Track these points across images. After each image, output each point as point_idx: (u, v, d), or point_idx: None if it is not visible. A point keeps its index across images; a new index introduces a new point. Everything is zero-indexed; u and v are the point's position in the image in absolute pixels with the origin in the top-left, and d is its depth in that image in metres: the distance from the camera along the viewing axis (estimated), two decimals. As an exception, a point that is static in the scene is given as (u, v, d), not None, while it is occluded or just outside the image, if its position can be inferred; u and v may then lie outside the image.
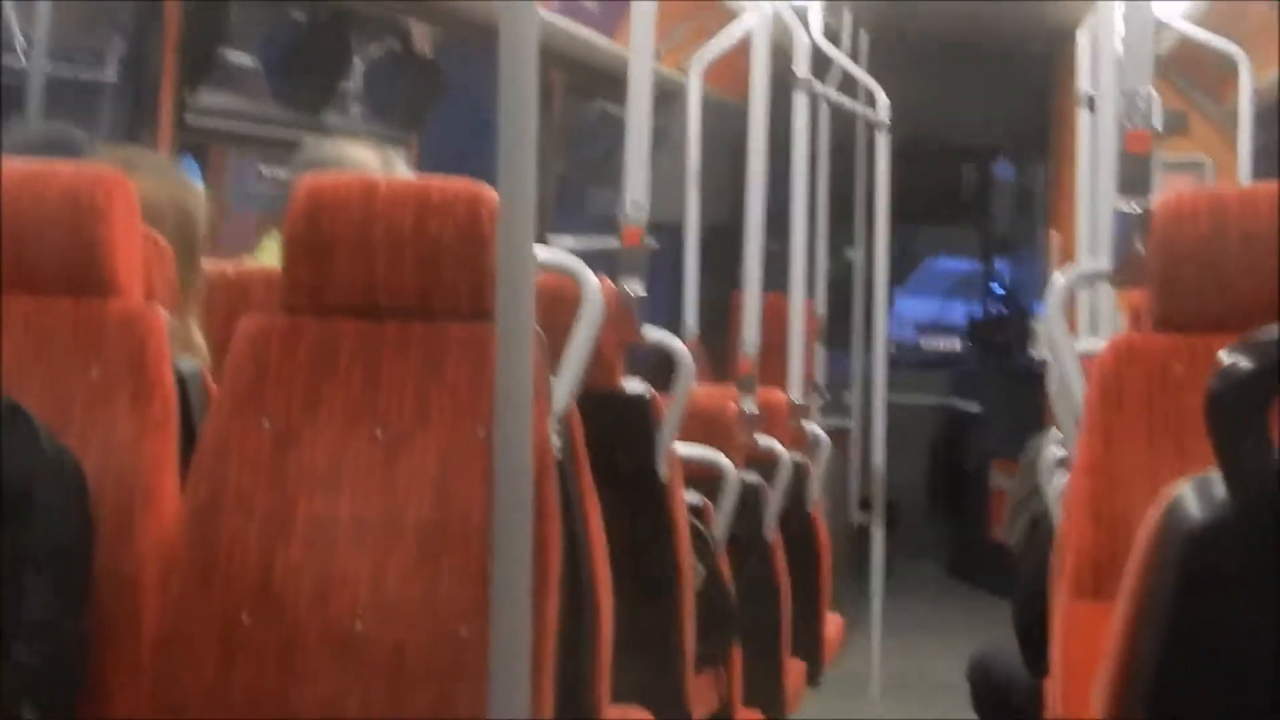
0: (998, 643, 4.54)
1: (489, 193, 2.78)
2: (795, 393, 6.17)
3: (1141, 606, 1.45)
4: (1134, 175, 2.85)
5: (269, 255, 3.96)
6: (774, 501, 5.14)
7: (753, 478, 4.93)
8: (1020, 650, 3.84)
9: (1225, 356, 1.41)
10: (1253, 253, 2.65)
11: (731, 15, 6.51)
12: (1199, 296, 2.68)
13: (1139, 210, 2.80)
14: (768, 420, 5.48)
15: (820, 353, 8.15)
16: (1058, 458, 3.45)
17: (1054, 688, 2.86)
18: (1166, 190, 2.88)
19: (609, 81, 6.12)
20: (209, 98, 4.40)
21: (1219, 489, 1.40)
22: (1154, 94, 2.87)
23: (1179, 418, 2.65)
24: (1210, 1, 6.51)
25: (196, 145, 4.66)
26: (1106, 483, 2.68)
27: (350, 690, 2.68)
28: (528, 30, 2.08)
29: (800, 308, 6.37)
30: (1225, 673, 1.41)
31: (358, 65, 5.19)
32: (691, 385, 3.96)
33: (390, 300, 2.80)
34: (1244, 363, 1.40)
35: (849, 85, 8.13)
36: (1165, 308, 2.71)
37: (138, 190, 2.97)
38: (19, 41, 4.34)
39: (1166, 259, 2.69)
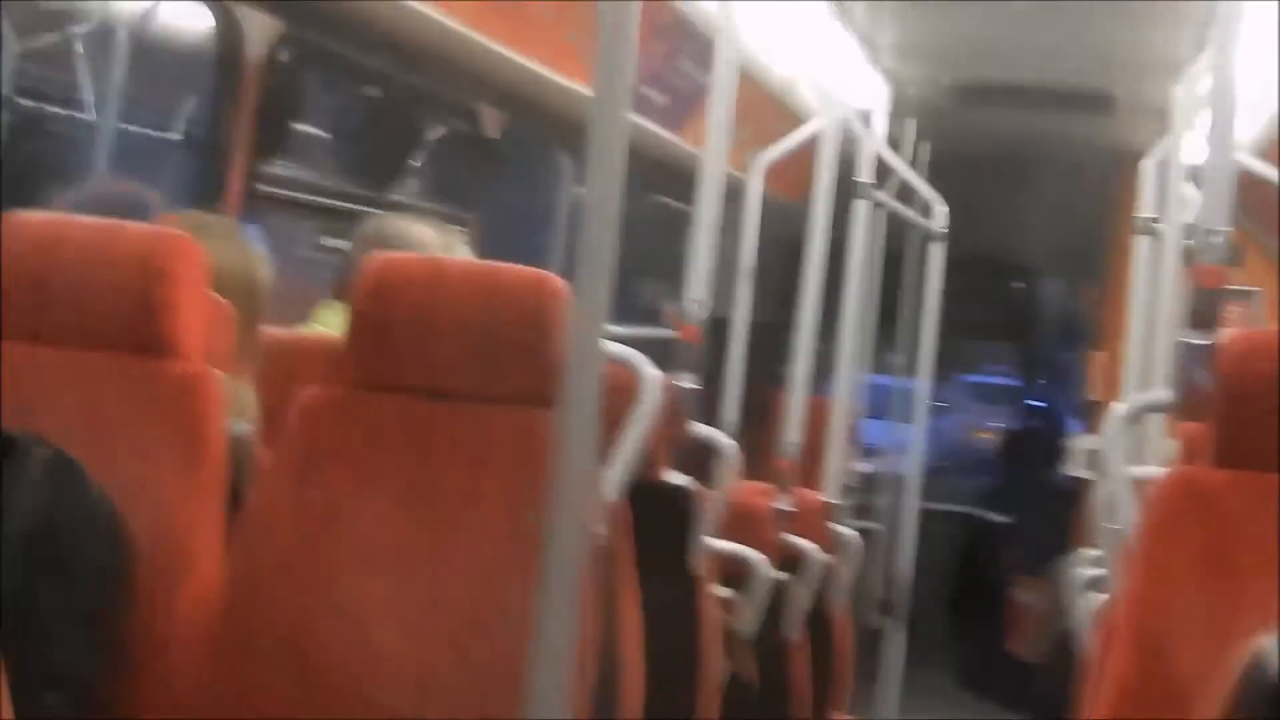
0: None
1: (555, 280, 2.79)
2: (831, 494, 6.16)
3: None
4: (1203, 309, 2.85)
5: (325, 324, 3.98)
6: (801, 600, 5.13)
7: (782, 575, 4.93)
8: None
9: None
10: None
11: (795, 118, 6.54)
12: (1261, 434, 2.67)
13: (1205, 344, 2.80)
14: (800, 519, 5.47)
15: (854, 455, 8.14)
16: (1089, 577, 3.44)
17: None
18: (1226, 321, 2.88)
19: (666, 174, 6.15)
20: (278, 166, 4.44)
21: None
22: (1226, 230, 2.88)
23: (1233, 555, 2.63)
24: (1273, 132, 6.52)
25: (261, 212, 4.69)
26: (1153, 613, 2.66)
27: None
28: (618, 124, 2.09)
29: (842, 410, 6.37)
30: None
31: (424, 143, 5.23)
32: (733, 479, 3.96)
33: (449, 381, 2.80)
34: None
35: (904, 195, 8.16)
36: (1225, 443, 2.70)
37: (206, 255, 2.99)
38: (90, 96, 4.39)
39: (1231, 394, 2.68)
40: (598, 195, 2.07)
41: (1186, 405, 2.82)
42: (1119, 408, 2.98)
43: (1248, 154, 6.14)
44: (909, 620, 8.09)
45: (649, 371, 3.12)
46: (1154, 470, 2.96)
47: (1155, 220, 5.44)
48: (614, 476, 2.96)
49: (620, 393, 3.13)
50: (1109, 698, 2.69)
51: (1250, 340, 2.70)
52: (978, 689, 10.27)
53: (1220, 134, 2.98)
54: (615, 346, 3.16)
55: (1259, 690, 1.40)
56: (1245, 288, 8.31)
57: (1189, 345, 2.81)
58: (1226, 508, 2.65)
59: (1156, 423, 4.22)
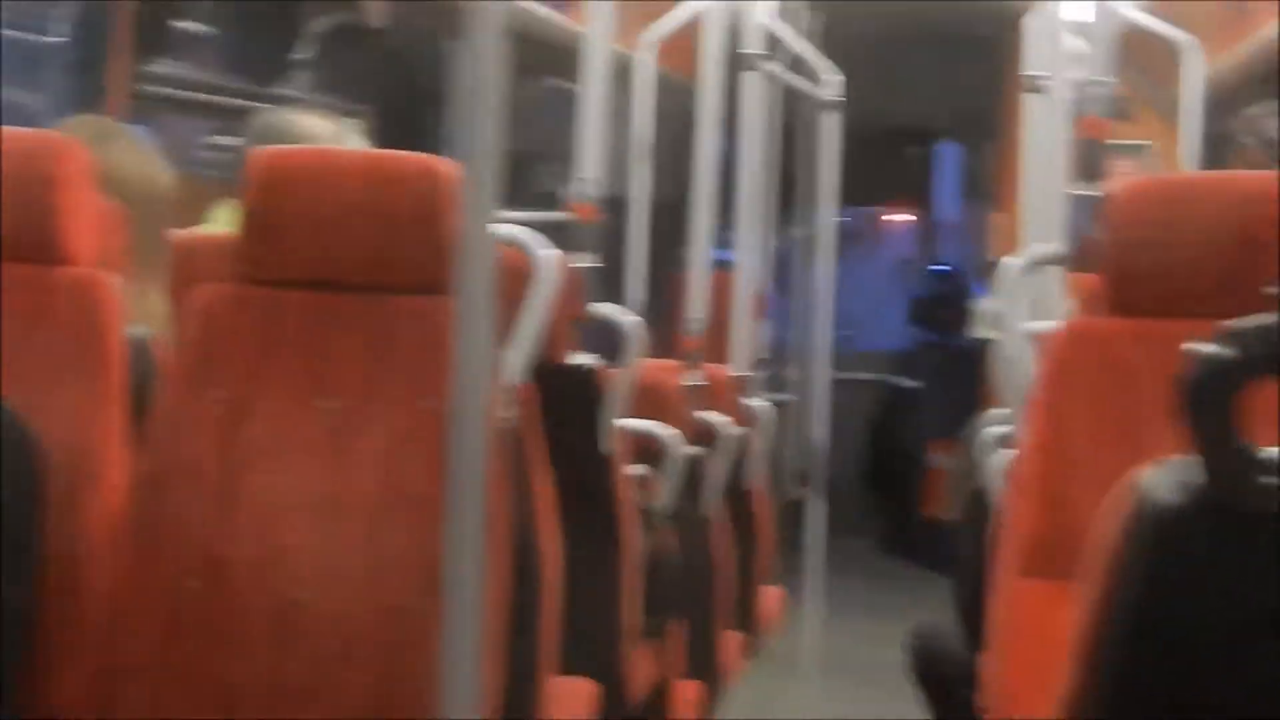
0: (935, 619, 4.57)
1: (445, 166, 2.78)
2: (739, 368, 6.19)
3: (1109, 589, 1.46)
4: (1088, 160, 2.88)
5: (221, 224, 3.95)
6: (716, 475, 5.16)
7: (696, 451, 4.95)
8: (959, 625, 3.87)
9: (1199, 345, 1.42)
10: (1205, 240, 2.68)
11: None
12: (1152, 282, 2.70)
13: (1093, 195, 2.83)
14: (712, 394, 5.49)
15: (764, 328, 8.18)
16: (998, 435, 3.48)
17: (993, 663, 2.88)
18: (1110, 174, 2.91)
19: (559, 57, 6.11)
20: (161, 65, 4.38)
21: (1189, 474, 1.41)
22: (1110, 82, 2.90)
23: (1131, 401, 2.67)
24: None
25: (148, 112, 4.64)
26: (1056, 462, 2.70)
27: (296, 662, 2.67)
28: (495, 8, 2.08)
29: (746, 285, 6.39)
30: (1192, 658, 1.43)
31: (311, 37, 5.17)
32: (639, 358, 3.97)
33: (343, 273, 2.80)
34: (1219, 350, 1.41)
35: (800, 65, 8.14)
36: (1117, 292, 2.74)
37: (108, 162, 2.97)
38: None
39: (1120, 244, 2.71)
40: (478, 77, 2.06)
41: (1079, 257, 2.85)
42: (1012, 262, 3.01)
43: (1134, 7, 6.16)
44: (827, 490, 8.16)
45: (543, 252, 3.12)
46: (1051, 324, 3.00)
47: (1042, 77, 5.46)
48: (515, 359, 2.96)
49: (519, 276, 3.13)
50: (1017, 548, 2.74)
51: (1135, 188, 2.72)
52: (899, 553, 10.42)
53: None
54: (509, 229, 3.16)
55: (1147, 518, 1.42)
56: (1137, 141, 8.37)
57: (1078, 197, 2.84)
58: (1121, 355, 2.69)
59: (1055, 278, 4.26)
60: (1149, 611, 1.42)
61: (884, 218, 13.22)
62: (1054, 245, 3.17)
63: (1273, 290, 1.40)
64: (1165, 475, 1.44)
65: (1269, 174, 2.70)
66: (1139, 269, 2.70)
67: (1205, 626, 1.41)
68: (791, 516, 8.45)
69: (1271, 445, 1.42)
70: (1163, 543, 1.41)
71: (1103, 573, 1.47)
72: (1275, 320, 1.37)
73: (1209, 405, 1.38)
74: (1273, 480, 1.37)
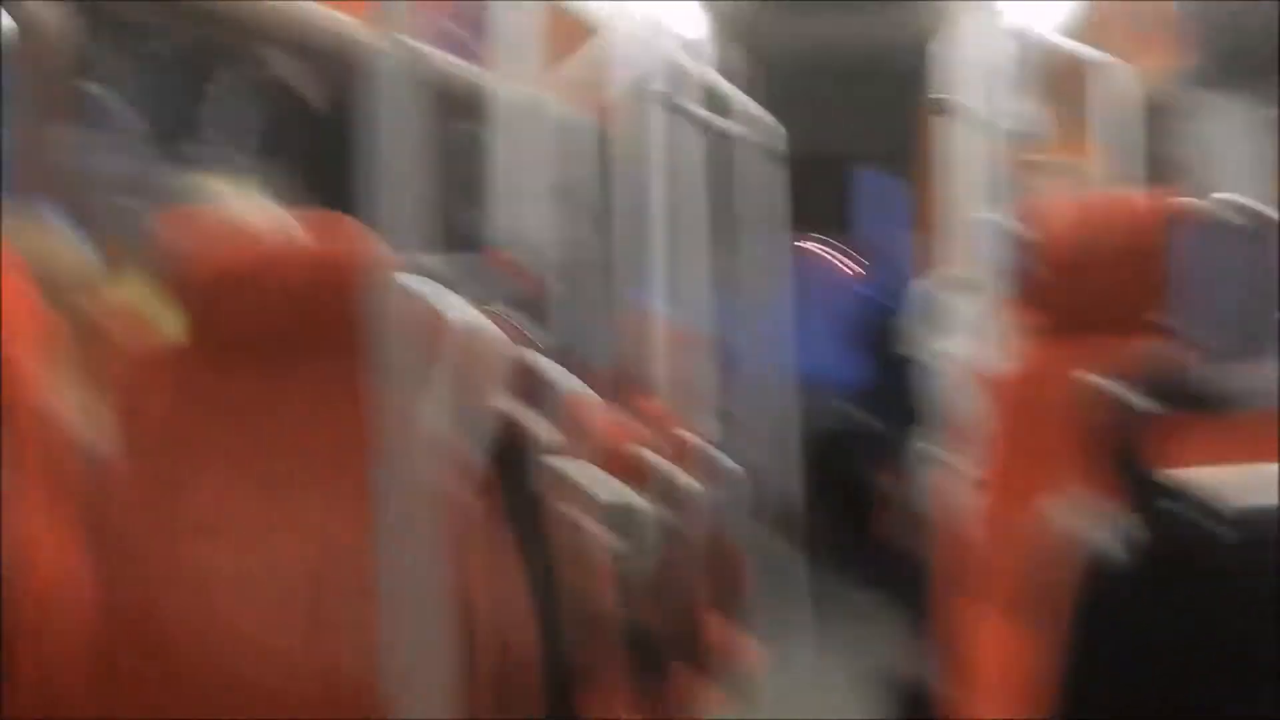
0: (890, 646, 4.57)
1: (356, 224, 2.75)
2: (702, 429, 6.17)
3: (1047, 617, 1.46)
4: (999, 184, 2.89)
5: (129, 290, 3.90)
6: (689, 537, 5.13)
7: (666, 514, 4.92)
8: (907, 648, 3.88)
9: (1097, 379, 1.43)
10: (1120, 259, 2.69)
11: (589, 32, 6.50)
12: (1063, 301, 2.70)
13: (1004, 219, 2.84)
14: (675, 453, 5.46)
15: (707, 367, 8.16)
16: (926, 457, 3.50)
17: (943, 686, 2.88)
18: (1031, 196, 2.92)
19: (466, 103, 6.10)
20: (65, 133, 4.33)
21: (1110, 505, 1.41)
22: (1019, 103, 2.91)
23: (1052, 421, 2.67)
24: (1075, 6, 6.60)
25: (55, 183, 4.59)
26: (992, 488, 2.71)
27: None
28: (403, 61, 2.07)
29: (699, 340, 6.39)
30: (1127, 675, 1.42)
31: (213, 96, 5.14)
32: (564, 404, 3.93)
33: (268, 342, 2.76)
34: (1118, 387, 1.41)
35: (715, 101, 8.15)
36: (1033, 313, 2.74)
37: (27, 255, 2.93)
38: None
39: (1032, 265, 2.72)
40: (389, 132, 2.05)
41: (990, 279, 2.86)
42: (925, 287, 3.02)
43: (1056, 32, 6.21)
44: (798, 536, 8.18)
45: (453, 306, 3.09)
46: (969, 345, 3.01)
47: (949, 100, 5.49)
48: (443, 417, 2.93)
49: (439, 330, 3.10)
50: (955, 568, 2.74)
51: (1049, 211, 2.73)
52: (871, 585, 10.38)
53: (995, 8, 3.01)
54: (419, 283, 3.12)
55: (1076, 549, 1.42)
56: (1059, 160, 8.42)
57: (989, 222, 2.85)
58: (1040, 375, 2.69)
59: (976, 299, 4.28)
60: (1084, 640, 1.42)
61: (806, 246, 13.26)
62: (966, 268, 3.18)
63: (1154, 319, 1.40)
64: (1084, 507, 1.43)
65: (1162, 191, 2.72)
66: (1052, 289, 2.71)
67: (1138, 644, 1.41)
68: (772, 570, 8.42)
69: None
70: (1092, 573, 1.41)
71: (1036, 601, 1.47)
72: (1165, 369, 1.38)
73: (1122, 448, 1.38)
74: (1188, 507, 1.38)
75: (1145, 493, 1.39)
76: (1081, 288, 2.70)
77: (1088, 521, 1.43)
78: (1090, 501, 1.44)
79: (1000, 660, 2.25)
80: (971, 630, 2.67)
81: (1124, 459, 1.37)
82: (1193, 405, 1.41)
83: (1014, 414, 2.70)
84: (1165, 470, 1.41)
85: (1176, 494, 1.40)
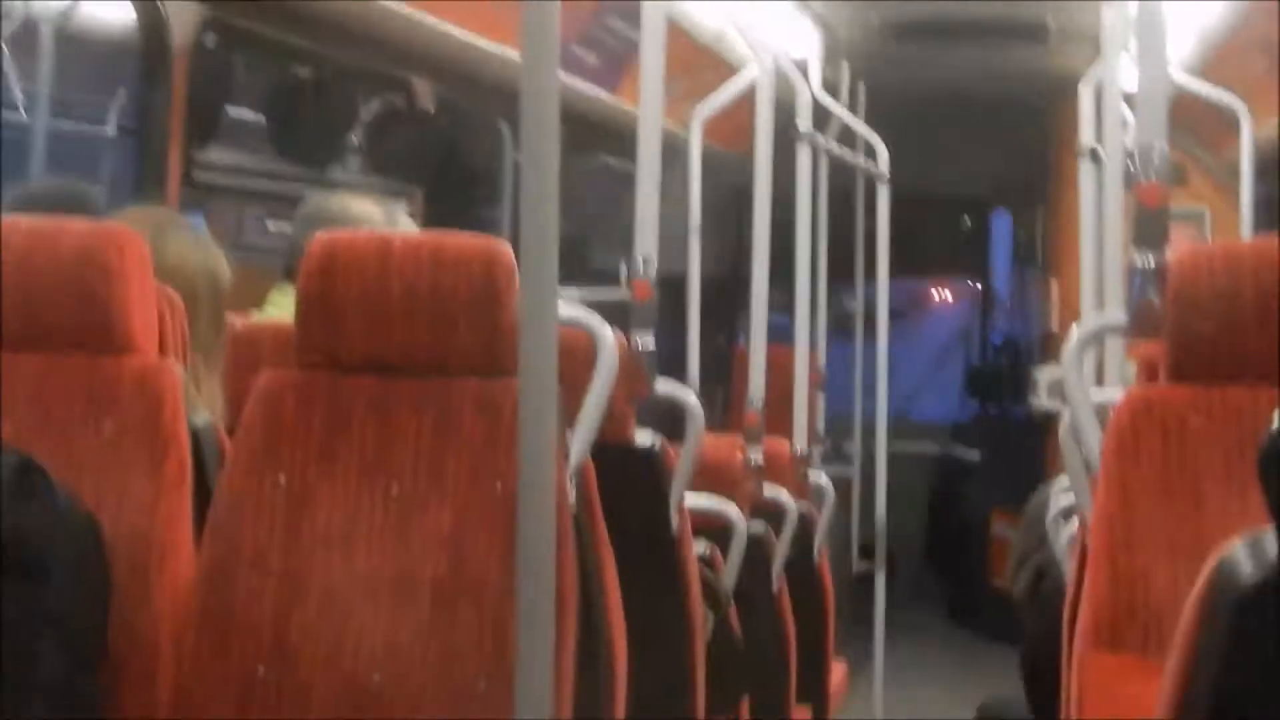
0: (1003, 694, 4.54)
1: (503, 248, 2.79)
2: (799, 443, 6.18)
3: (1192, 665, 1.45)
4: (1148, 228, 2.86)
5: (277, 309, 3.97)
6: (780, 551, 5.15)
7: (759, 527, 4.93)
8: (1028, 699, 3.84)
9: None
10: (1267, 305, 2.66)
11: (730, 68, 6.53)
12: (1214, 349, 2.68)
13: (1154, 264, 2.81)
14: (773, 469, 5.48)
15: (822, 401, 8.17)
16: (1064, 507, 3.45)
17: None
18: (1175, 240, 2.90)
19: (609, 136, 6.14)
20: (214, 153, 4.42)
21: (1271, 547, 1.39)
22: (1166, 148, 2.89)
23: (1196, 470, 2.65)
24: (1209, 52, 6.54)
25: (202, 200, 4.67)
26: (1123, 534, 2.68)
27: (365, 747, 2.67)
28: (548, 88, 2.09)
29: (804, 359, 6.38)
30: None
31: (360, 120, 5.21)
32: (702, 437, 3.96)
33: (404, 357, 2.80)
34: None
35: (847, 138, 8.16)
36: (1180, 360, 2.72)
37: (170, 252, 2.99)
38: (19, 95, 4.36)
39: (1182, 311, 2.70)
40: (534, 157, 2.07)
41: (1141, 325, 2.84)
42: (1075, 332, 3.00)
43: (1183, 72, 6.15)
44: (891, 562, 8.13)
45: (604, 332, 3.12)
46: (1115, 393, 2.98)
47: (1097, 144, 5.46)
48: (579, 441, 2.96)
49: (580, 356, 3.13)
50: (1086, 622, 2.71)
51: (1197, 256, 2.71)
52: (965, 624, 10.32)
53: (1151, 52, 2.98)
54: (570, 310, 3.16)
55: (1226, 593, 1.41)
56: (1191, 208, 8.35)
57: (1138, 266, 2.82)
58: (1185, 423, 2.67)
59: (1116, 347, 4.24)
60: (1227, 689, 1.40)
61: (937, 289, 13.20)
62: (1116, 313, 3.15)
63: None
64: (1246, 550, 1.42)
65: None
66: (1201, 335, 2.69)
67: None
68: (856, 590, 8.41)
69: None
70: (1240, 618, 1.39)
71: (1183, 649, 1.45)
72: None
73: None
74: None
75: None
76: (1225, 335, 2.68)
77: (1249, 569, 1.41)
78: (1257, 548, 1.42)
79: (1127, 710, 2.23)
80: (1101, 678, 2.65)
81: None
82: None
83: (1155, 457, 2.68)
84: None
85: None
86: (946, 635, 10.37)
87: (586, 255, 7.91)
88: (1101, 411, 2.92)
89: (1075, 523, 3.26)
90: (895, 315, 9.02)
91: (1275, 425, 1.38)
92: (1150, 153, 2.88)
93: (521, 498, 2.17)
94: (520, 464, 2.17)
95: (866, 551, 8.19)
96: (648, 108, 4.00)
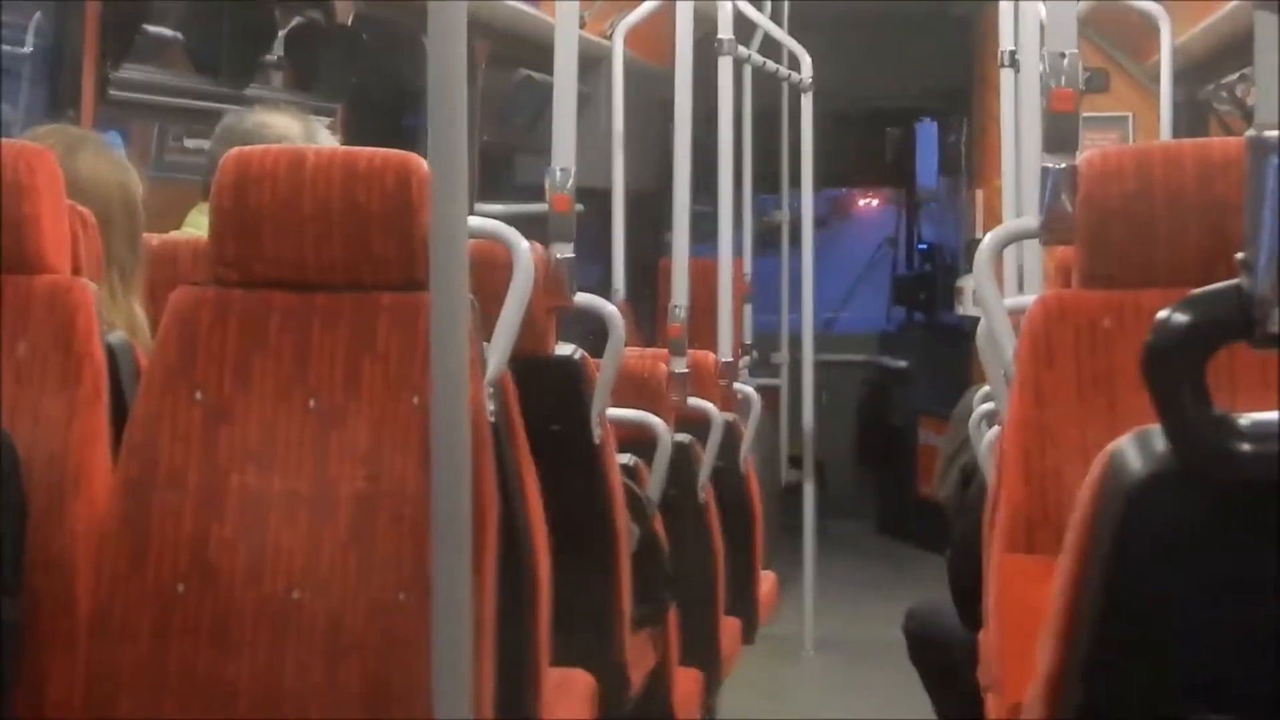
0: (932, 598, 4.57)
1: (417, 162, 2.78)
2: (725, 353, 6.19)
3: (1083, 559, 1.46)
4: (1060, 133, 2.87)
5: (195, 228, 3.94)
6: (706, 461, 5.16)
7: (685, 438, 4.94)
8: (955, 604, 3.87)
9: (1164, 312, 1.42)
10: (1178, 208, 2.68)
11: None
12: (1126, 252, 2.70)
13: (1065, 167, 2.82)
14: (698, 381, 5.48)
15: (748, 313, 8.19)
16: (987, 412, 3.48)
17: (989, 640, 2.88)
18: (1088, 146, 2.90)
19: (533, 49, 6.10)
20: (130, 72, 4.36)
21: (1159, 442, 1.41)
22: (1077, 53, 2.89)
23: (1108, 372, 2.67)
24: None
25: (119, 119, 4.62)
26: (1037, 437, 2.70)
27: (286, 660, 2.67)
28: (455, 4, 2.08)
29: (729, 270, 6.39)
30: (1164, 627, 1.42)
31: (279, 36, 5.15)
32: (623, 348, 3.96)
33: (320, 271, 2.79)
34: (1183, 317, 1.41)
35: (773, 49, 8.14)
36: (1093, 264, 2.73)
37: (82, 170, 2.96)
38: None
39: (1093, 215, 2.71)
40: (441, 71, 2.06)
41: (1053, 230, 2.85)
42: (986, 238, 3.01)
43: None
44: (820, 472, 8.16)
45: (520, 244, 3.11)
46: (1030, 299, 2.99)
47: (1014, 52, 5.47)
48: (496, 353, 2.96)
49: (499, 268, 3.13)
50: (1005, 524, 2.74)
51: (1108, 160, 2.72)
52: (894, 533, 10.39)
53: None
54: (484, 222, 3.15)
55: (1116, 487, 1.42)
56: (1115, 113, 8.38)
57: (1050, 171, 2.83)
58: (1097, 327, 2.69)
59: (1035, 253, 4.26)
60: (1119, 581, 1.42)
61: (863, 198, 13.23)
62: (1029, 220, 3.16)
63: (1241, 257, 1.39)
64: (1135, 445, 1.43)
65: (1241, 139, 2.69)
66: (1113, 240, 2.70)
67: (1176, 595, 1.41)
68: (785, 500, 8.46)
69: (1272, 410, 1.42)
70: (1129, 511, 1.41)
71: (1074, 545, 1.47)
72: (1234, 285, 1.37)
73: (1171, 373, 1.37)
74: (1247, 446, 1.37)
75: (1203, 433, 1.38)
76: (1136, 238, 2.70)
77: (1137, 464, 1.43)
78: (1146, 443, 1.44)
79: (1037, 610, 2.25)
80: (1016, 581, 2.68)
81: (1180, 398, 1.37)
82: (1260, 344, 1.40)
83: (1068, 361, 2.70)
84: (1227, 410, 1.41)
85: (1238, 431, 1.39)
86: (875, 544, 10.45)
87: (511, 171, 7.87)
88: (1018, 317, 2.93)
89: (997, 428, 3.28)
90: (820, 224, 9.01)
91: (1158, 322, 1.40)
92: (1060, 58, 2.88)
93: (434, 409, 2.18)
94: (432, 375, 2.18)
95: (796, 462, 8.22)
96: (563, 18, 3.97)
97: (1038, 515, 2.67)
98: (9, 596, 2.55)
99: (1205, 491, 1.39)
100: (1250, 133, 1.40)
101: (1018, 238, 3.26)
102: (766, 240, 9.30)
